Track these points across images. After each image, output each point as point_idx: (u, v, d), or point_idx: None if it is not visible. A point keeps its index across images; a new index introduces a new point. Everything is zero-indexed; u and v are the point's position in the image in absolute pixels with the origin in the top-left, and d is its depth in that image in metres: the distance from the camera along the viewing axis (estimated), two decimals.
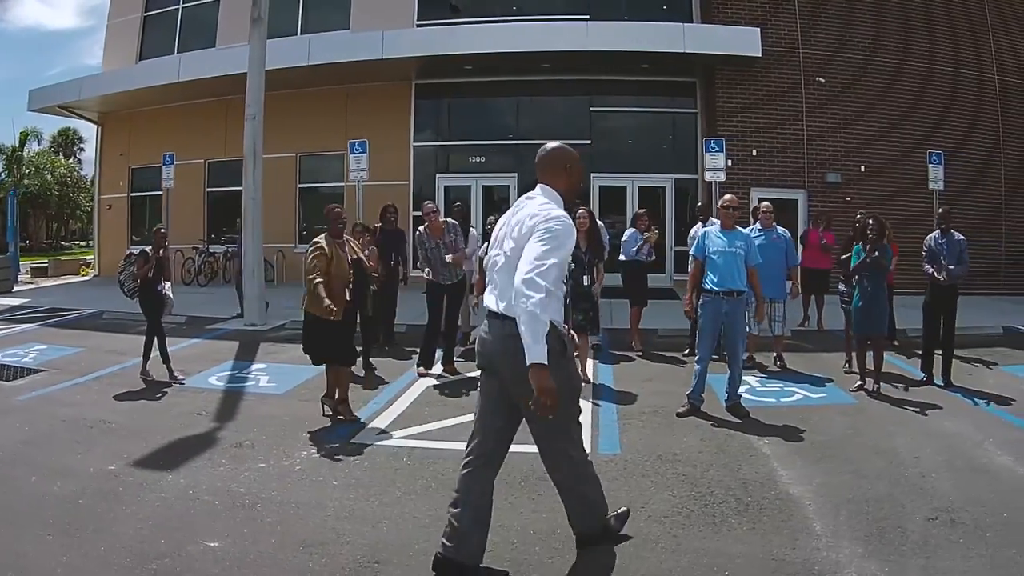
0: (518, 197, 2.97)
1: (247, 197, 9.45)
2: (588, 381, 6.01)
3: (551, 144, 2.89)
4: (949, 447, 4.45)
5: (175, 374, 6.27)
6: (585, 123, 13.20)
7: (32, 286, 15.07)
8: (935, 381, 6.16)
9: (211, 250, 14.11)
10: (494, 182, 13.01)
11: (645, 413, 5.21)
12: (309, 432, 4.78)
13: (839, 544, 3.10)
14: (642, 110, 13.58)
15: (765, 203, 7.42)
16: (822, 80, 12.54)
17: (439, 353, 6.60)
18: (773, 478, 3.93)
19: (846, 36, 12.74)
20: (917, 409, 5.34)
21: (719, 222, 5.38)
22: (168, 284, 6.61)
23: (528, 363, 2.39)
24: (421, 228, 6.48)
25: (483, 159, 13.38)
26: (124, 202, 15.75)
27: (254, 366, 6.99)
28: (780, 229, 7.06)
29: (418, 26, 13.16)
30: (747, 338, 6.97)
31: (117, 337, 8.56)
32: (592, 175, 13.03)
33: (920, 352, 6.52)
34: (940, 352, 6.30)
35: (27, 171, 34.98)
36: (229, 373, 6.67)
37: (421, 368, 6.40)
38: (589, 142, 13.08)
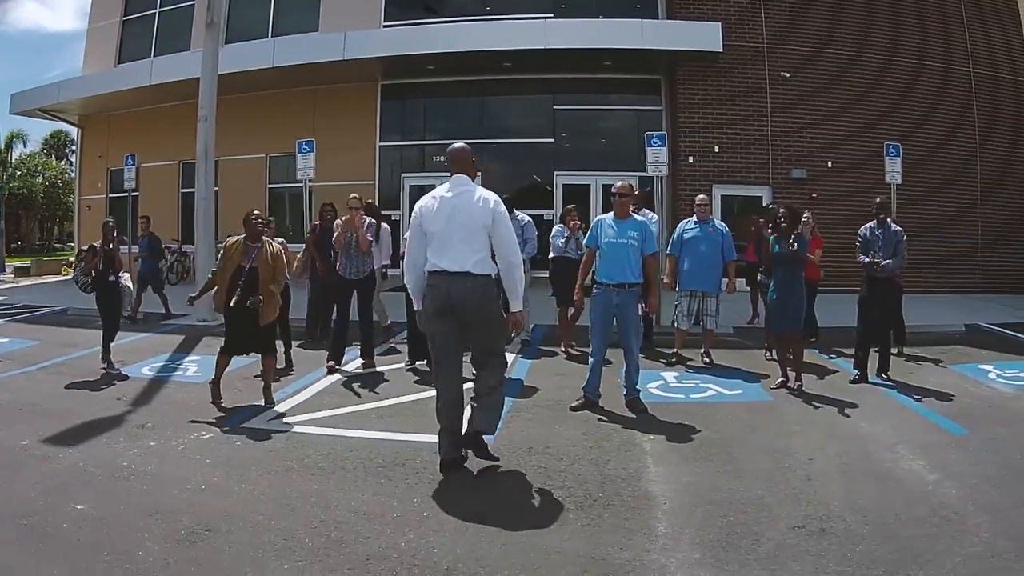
0: None
1: (199, 198, 9.56)
2: None
3: (459, 144, 3.85)
4: (854, 449, 4.17)
5: (114, 364, 6.50)
6: (548, 121, 13.19)
7: (12, 285, 15.43)
8: (870, 379, 5.93)
9: (184, 249, 14.29)
10: None
11: (539, 406, 5.16)
12: (212, 417, 4.95)
13: (677, 547, 2.92)
14: (606, 108, 13.52)
15: (701, 195, 7.36)
16: (787, 75, 12.41)
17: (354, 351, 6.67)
18: (639, 475, 3.78)
19: (813, 30, 12.59)
20: (836, 408, 5.08)
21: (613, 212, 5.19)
22: (126, 275, 6.77)
23: (514, 309, 3.81)
24: (341, 219, 6.70)
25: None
26: (103, 203, 15.98)
27: (188, 358, 7.16)
28: (717, 222, 6.99)
29: (384, 27, 13.23)
30: (675, 333, 7.01)
31: (74, 332, 8.78)
32: (556, 173, 13.03)
33: (853, 349, 6.19)
34: (877, 349, 6.11)
35: (17, 173, 35.35)
36: (163, 364, 6.87)
37: (331, 363, 6.44)
38: (552, 140, 13.12)
